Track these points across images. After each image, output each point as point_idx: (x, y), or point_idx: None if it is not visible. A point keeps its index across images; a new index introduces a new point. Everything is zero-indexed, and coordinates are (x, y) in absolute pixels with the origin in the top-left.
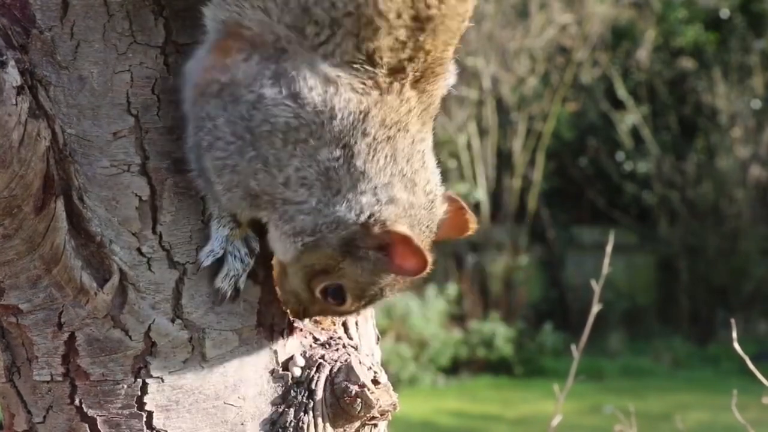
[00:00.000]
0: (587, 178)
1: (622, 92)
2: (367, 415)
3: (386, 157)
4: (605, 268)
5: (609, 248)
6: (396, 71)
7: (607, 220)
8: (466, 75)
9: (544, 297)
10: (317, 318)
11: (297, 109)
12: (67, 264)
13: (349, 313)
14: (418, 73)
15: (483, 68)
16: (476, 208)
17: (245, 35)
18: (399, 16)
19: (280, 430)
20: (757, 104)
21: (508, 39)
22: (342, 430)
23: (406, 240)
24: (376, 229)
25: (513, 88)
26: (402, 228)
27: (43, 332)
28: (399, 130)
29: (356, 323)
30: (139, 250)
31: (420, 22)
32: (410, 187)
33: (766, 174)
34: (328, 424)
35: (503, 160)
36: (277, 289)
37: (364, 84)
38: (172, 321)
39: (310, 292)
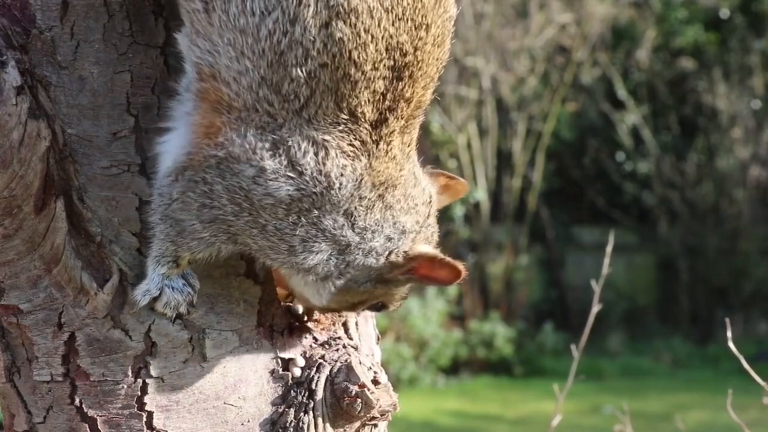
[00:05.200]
0: (587, 178)
1: (622, 92)
2: (368, 415)
3: (382, 209)
4: (605, 268)
5: (609, 248)
6: (379, 124)
7: (607, 220)
8: (466, 75)
9: (544, 297)
10: (317, 318)
11: (297, 179)
12: (67, 264)
13: (391, 311)
14: (402, 122)
15: (483, 68)
16: (476, 208)
17: (225, 100)
18: (375, 67)
19: (280, 430)
20: (757, 104)
21: (507, 39)
22: (342, 430)
23: (431, 259)
24: (401, 260)
25: (513, 88)
26: (423, 249)
27: (43, 332)
28: (387, 187)
29: (356, 323)
30: (139, 250)
31: (397, 71)
32: (412, 211)
33: (766, 174)
34: (328, 425)
35: (503, 160)
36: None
37: (352, 145)
38: (172, 321)
39: (350, 311)
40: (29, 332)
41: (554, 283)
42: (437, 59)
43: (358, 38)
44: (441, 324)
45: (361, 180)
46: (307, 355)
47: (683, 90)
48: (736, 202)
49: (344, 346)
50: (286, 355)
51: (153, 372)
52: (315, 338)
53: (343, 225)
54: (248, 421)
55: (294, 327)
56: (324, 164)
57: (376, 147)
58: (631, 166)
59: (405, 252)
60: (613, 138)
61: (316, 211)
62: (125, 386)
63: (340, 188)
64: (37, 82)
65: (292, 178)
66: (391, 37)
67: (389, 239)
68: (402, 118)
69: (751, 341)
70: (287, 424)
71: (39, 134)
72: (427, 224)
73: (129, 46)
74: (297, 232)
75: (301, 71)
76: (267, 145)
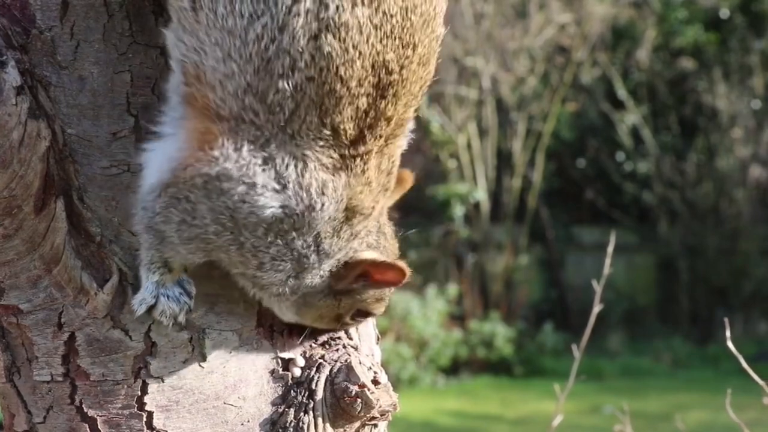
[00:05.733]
0: (587, 178)
1: (622, 92)
2: (367, 415)
3: (347, 237)
4: (606, 269)
5: (610, 249)
6: (358, 141)
7: (607, 220)
8: (466, 75)
9: (544, 297)
10: None
11: (282, 194)
12: (67, 264)
13: (382, 313)
14: (381, 141)
15: (482, 68)
16: (476, 208)
17: (212, 107)
18: (360, 83)
19: (280, 430)
20: (757, 104)
21: (507, 39)
22: (342, 430)
23: (373, 263)
24: (343, 271)
25: (513, 88)
26: (364, 254)
27: (43, 332)
28: (356, 214)
29: None
30: (138, 250)
31: (381, 90)
32: (355, 225)
33: (766, 174)
34: (328, 425)
35: (503, 160)
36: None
37: (332, 159)
38: (170, 326)
39: (338, 324)
40: (29, 332)
41: (554, 283)
42: (421, 78)
43: (345, 54)
44: (441, 324)
45: (341, 201)
46: (307, 355)
47: (683, 90)
48: (736, 202)
49: (344, 346)
50: (286, 355)
51: (153, 372)
52: (315, 338)
53: (310, 246)
54: (248, 421)
55: (294, 327)
56: (303, 177)
57: (354, 163)
58: (631, 166)
59: (345, 262)
60: (613, 138)
61: (293, 233)
62: (125, 386)
63: (321, 209)
64: (37, 82)
65: (277, 192)
66: (377, 54)
67: (337, 261)
68: (381, 137)
69: (751, 341)
70: (287, 424)
71: (39, 134)
72: (368, 232)
73: (129, 46)
74: (270, 251)
75: (288, 83)
76: (259, 161)
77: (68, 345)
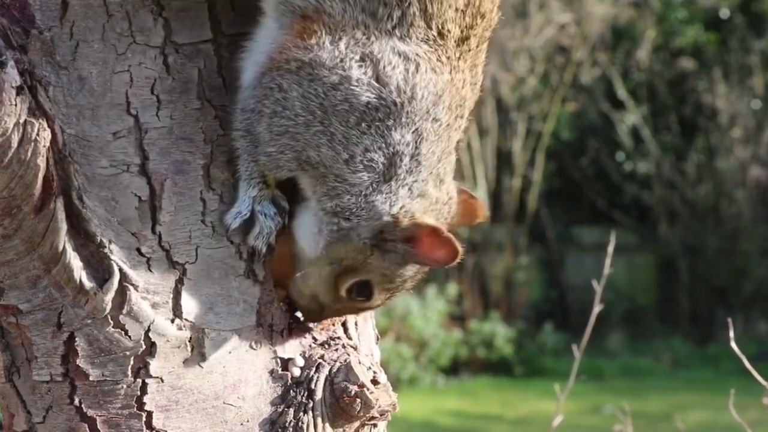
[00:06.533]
0: (587, 178)
1: (622, 92)
2: (367, 415)
3: (437, 151)
4: (606, 269)
5: (610, 249)
6: (462, 41)
7: (607, 220)
8: None
9: (544, 297)
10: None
11: (380, 89)
12: (66, 264)
13: (372, 308)
14: (477, 40)
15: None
16: None
17: (325, 21)
18: None
19: (279, 430)
20: (757, 104)
21: (507, 39)
22: (341, 430)
23: (435, 231)
24: (405, 222)
25: (513, 88)
26: (429, 220)
27: (42, 332)
28: (457, 117)
29: (356, 323)
30: (138, 250)
31: None
32: (438, 185)
33: (766, 174)
34: (327, 424)
35: (503, 160)
36: (293, 293)
37: (439, 60)
38: (172, 321)
39: (334, 291)
40: (28, 332)
41: (554, 283)
42: None
43: None
44: (441, 324)
45: (441, 95)
46: (307, 355)
47: (683, 90)
48: (736, 202)
49: (343, 346)
50: (285, 355)
51: (152, 372)
52: (314, 338)
53: (409, 143)
54: (247, 421)
55: (293, 327)
56: (414, 77)
57: (458, 62)
58: (631, 166)
59: (412, 214)
60: (613, 138)
61: (390, 121)
62: (124, 386)
63: (421, 99)
64: (36, 82)
65: (375, 88)
66: None
67: (411, 194)
68: (477, 37)
69: (751, 341)
70: (286, 424)
71: (38, 134)
72: (442, 207)
73: (128, 47)
74: (363, 141)
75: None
76: (356, 57)
77: (67, 345)
